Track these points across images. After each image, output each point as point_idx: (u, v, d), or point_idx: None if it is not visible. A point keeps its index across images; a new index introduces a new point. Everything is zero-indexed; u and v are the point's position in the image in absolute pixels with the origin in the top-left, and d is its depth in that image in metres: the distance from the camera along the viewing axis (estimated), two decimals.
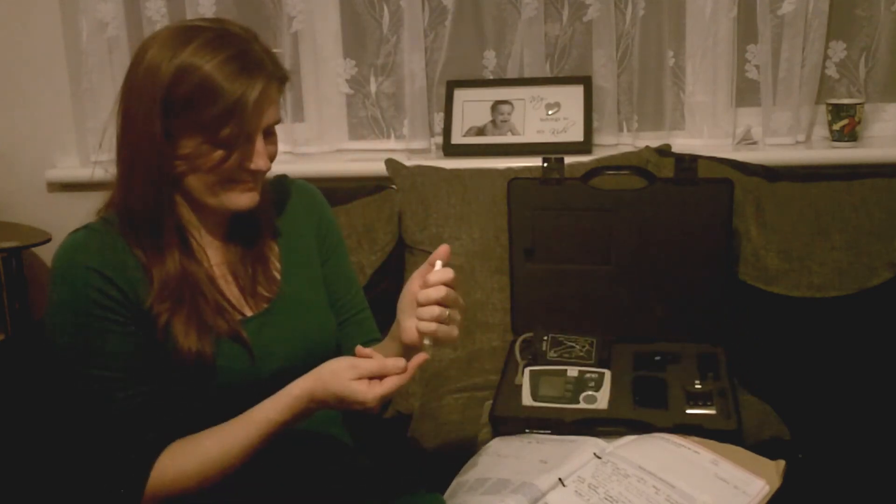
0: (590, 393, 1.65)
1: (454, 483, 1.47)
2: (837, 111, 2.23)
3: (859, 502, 1.55)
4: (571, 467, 1.42)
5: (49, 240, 2.27)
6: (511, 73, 2.36)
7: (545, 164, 1.92)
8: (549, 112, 2.32)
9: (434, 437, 1.76)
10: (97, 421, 1.27)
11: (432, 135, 2.40)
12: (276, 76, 1.29)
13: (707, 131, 2.30)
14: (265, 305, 1.38)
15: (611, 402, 1.64)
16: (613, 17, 2.27)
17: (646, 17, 2.25)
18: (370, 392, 1.20)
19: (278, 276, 1.42)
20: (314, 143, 2.43)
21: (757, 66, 2.25)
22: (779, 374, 1.88)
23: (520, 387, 1.69)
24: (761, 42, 2.20)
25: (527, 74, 2.34)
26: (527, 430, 1.59)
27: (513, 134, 2.33)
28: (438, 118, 2.39)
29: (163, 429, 1.28)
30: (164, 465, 1.27)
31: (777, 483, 1.38)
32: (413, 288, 1.29)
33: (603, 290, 1.90)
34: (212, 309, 1.31)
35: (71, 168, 2.44)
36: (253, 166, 1.29)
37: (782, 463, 1.43)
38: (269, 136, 1.32)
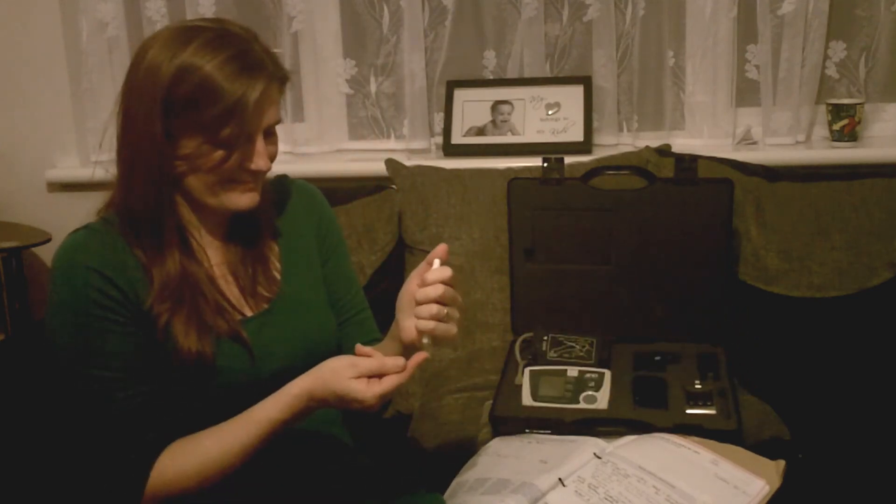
0: (590, 393, 1.65)
1: (454, 483, 1.47)
2: (837, 111, 2.23)
3: (859, 502, 1.56)
4: (571, 467, 1.42)
5: (49, 240, 2.27)
6: (511, 73, 2.36)
7: (545, 164, 1.92)
8: (549, 112, 2.32)
9: (434, 437, 1.76)
10: (97, 421, 1.27)
11: (432, 135, 2.40)
12: (277, 76, 1.29)
13: (707, 131, 2.30)
14: (265, 305, 1.39)
15: (611, 402, 1.64)
16: (613, 17, 2.27)
17: (646, 17, 2.25)
18: (369, 391, 1.20)
19: (278, 276, 1.42)
20: (314, 143, 2.43)
21: (757, 66, 2.25)
22: (779, 374, 1.88)
23: (520, 387, 1.69)
24: (761, 42, 2.20)
25: (527, 74, 2.34)
26: (527, 430, 1.59)
27: (513, 134, 2.33)
28: (438, 118, 2.39)
29: (163, 429, 1.28)
30: (163, 465, 1.27)
31: (777, 483, 1.38)
32: (411, 287, 1.29)
33: (603, 290, 1.90)
34: (212, 309, 1.31)
35: (71, 168, 2.44)
36: (253, 166, 1.29)
37: (782, 463, 1.43)
38: (270, 136, 1.32)
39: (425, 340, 1.26)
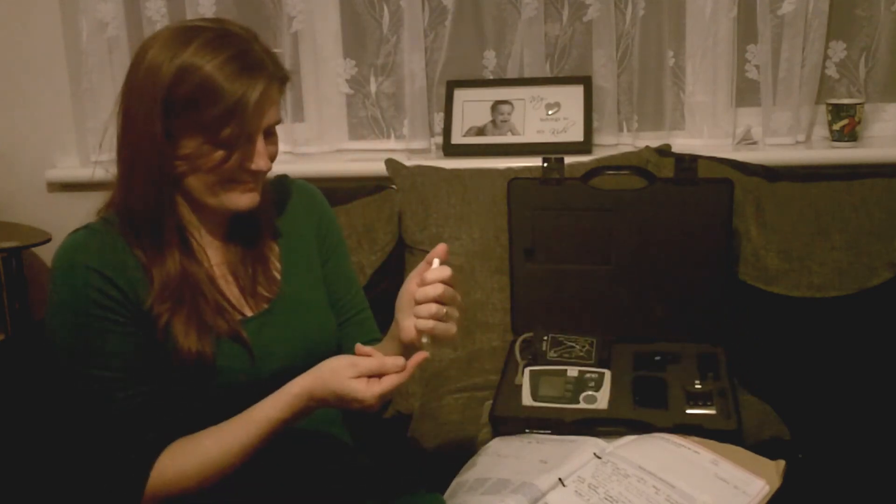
0: (590, 393, 1.65)
1: (454, 483, 1.47)
2: (837, 111, 2.23)
3: (859, 502, 1.55)
4: (571, 467, 1.42)
5: (49, 240, 2.27)
6: (511, 73, 2.36)
7: (545, 164, 1.92)
8: (549, 112, 2.32)
9: (434, 437, 1.76)
10: (97, 421, 1.27)
11: (432, 135, 2.40)
12: (277, 76, 1.29)
13: (707, 131, 2.30)
14: (265, 305, 1.39)
15: (611, 402, 1.64)
16: (613, 17, 2.27)
17: (646, 17, 2.25)
18: (369, 390, 1.20)
19: (278, 277, 1.42)
20: (314, 143, 2.43)
21: (757, 66, 2.25)
22: (779, 374, 1.88)
23: (520, 387, 1.69)
24: (761, 42, 2.20)
25: (527, 74, 2.34)
26: (527, 430, 1.59)
27: (513, 134, 2.33)
28: (438, 118, 2.39)
29: (163, 429, 1.28)
30: (163, 465, 1.27)
31: (777, 483, 1.38)
32: (411, 287, 1.29)
33: (603, 290, 1.90)
34: (212, 309, 1.31)
35: (71, 168, 2.44)
36: (253, 167, 1.29)
37: (782, 463, 1.43)
38: (270, 136, 1.32)
39: (425, 340, 1.26)
